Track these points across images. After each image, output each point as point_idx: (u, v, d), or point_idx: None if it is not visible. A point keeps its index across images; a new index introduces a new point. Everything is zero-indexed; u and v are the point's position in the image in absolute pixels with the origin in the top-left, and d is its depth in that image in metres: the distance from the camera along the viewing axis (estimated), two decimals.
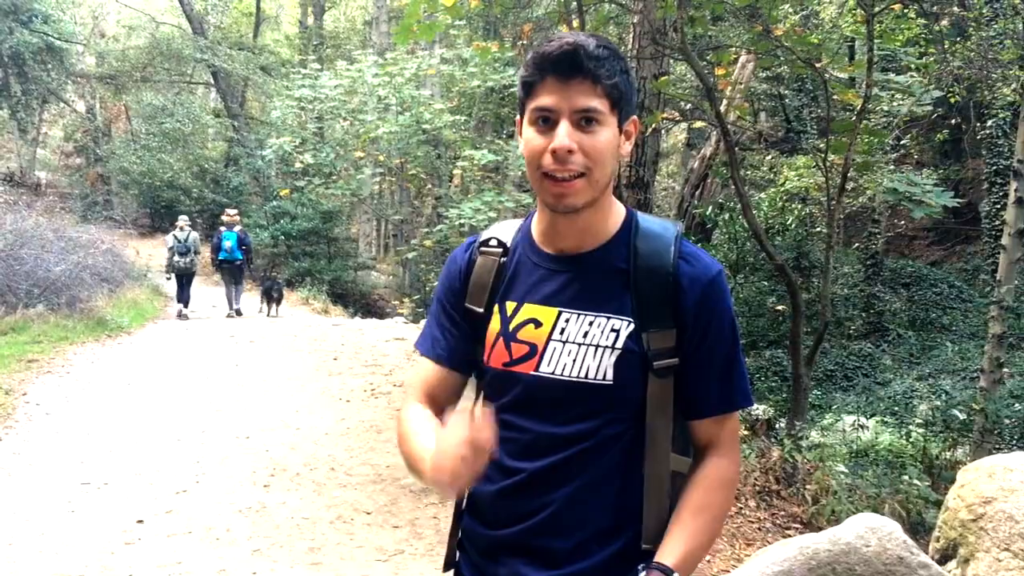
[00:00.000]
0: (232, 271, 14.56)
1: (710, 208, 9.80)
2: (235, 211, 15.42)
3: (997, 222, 17.37)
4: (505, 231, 1.62)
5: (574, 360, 1.44)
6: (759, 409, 7.87)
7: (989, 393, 9.39)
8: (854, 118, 5.52)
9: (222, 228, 14.56)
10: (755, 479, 4.77)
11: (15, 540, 4.41)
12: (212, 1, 29.12)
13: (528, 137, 1.43)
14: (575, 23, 7.88)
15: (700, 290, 1.43)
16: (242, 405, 7.65)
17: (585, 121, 1.38)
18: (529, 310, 1.50)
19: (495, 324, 1.54)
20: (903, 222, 21.23)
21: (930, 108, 7.72)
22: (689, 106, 10.80)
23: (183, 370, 9.24)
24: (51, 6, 24.72)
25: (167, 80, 28.56)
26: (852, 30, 6.31)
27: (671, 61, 9.94)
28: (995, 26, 10.29)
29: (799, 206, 11.17)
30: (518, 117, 1.48)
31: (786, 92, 17.28)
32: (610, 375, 1.42)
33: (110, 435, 6.51)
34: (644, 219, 1.51)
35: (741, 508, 4.56)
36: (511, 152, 17.54)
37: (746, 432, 5.35)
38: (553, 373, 1.45)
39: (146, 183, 26.34)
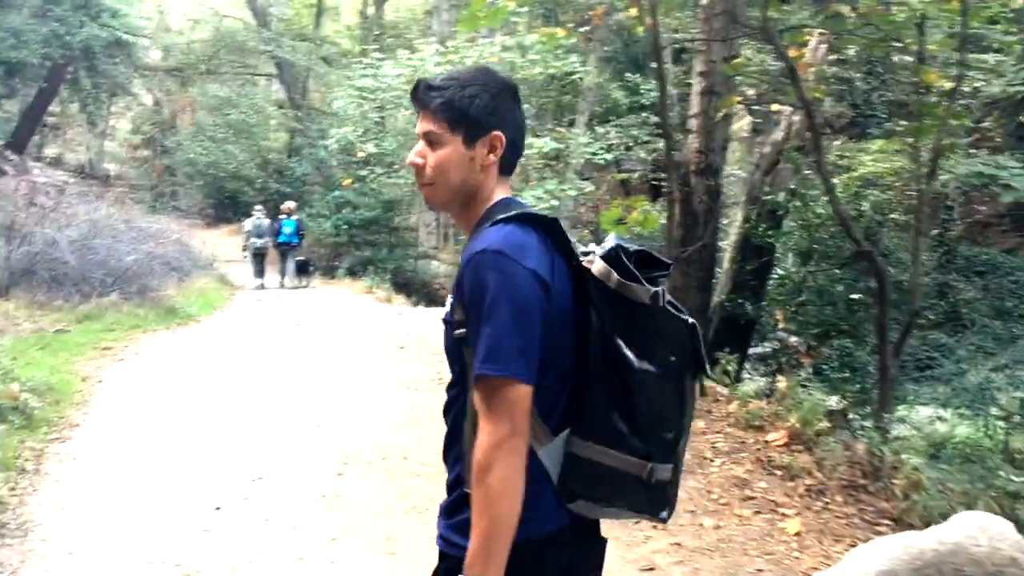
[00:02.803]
0: (288, 252, 17.84)
1: (781, 195, 9.53)
2: (293, 203, 18.89)
3: None
4: None
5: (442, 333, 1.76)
6: (831, 400, 7.64)
7: None
8: (943, 100, 5.28)
9: (281, 216, 17.80)
10: (840, 473, 4.61)
11: (95, 526, 4.46)
12: None
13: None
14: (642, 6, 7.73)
15: (462, 267, 1.64)
16: (311, 392, 7.68)
17: (429, 141, 1.74)
18: None
19: None
20: (980, 208, 20.55)
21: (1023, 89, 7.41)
22: (754, 92, 10.55)
23: (252, 358, 9.32)
24: (119, 1, 25.23)
25: (232, 72, 28.92)
26: (932, 8, 6.03)
27: (739, 44, 9.73)
28: None
29: (875, 192, 10.82)
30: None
31: (856, 75, 16.79)
32: (445, 343, 1.74)
33: (184, 422, 6.57)
34: (499, 209, 1.71)
35: (827, 503, 4.41)
36: (572, 140, 17.41)
37: (826, 424, 5.18)
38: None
39: (211, 174, 26.75)
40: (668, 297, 1.67)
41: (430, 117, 1.72)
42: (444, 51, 16.88)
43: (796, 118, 10.09)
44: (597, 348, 1.62)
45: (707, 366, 1.75)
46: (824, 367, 9.26)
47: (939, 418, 10.08)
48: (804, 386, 5.71)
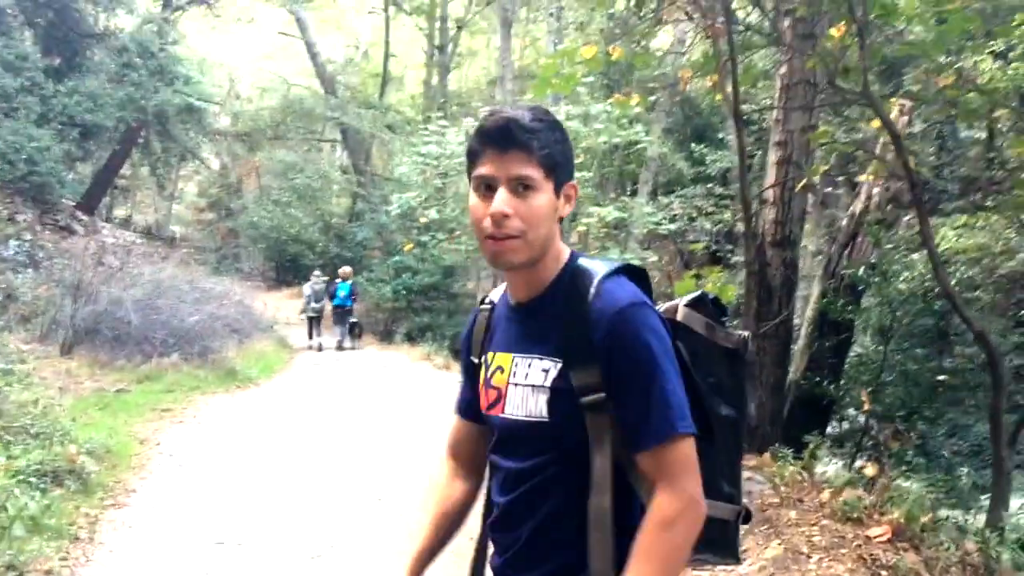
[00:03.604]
0: (343, 314, 18.16)
1: (861, 269, 9.14)
2: (349, 268, 19.21)
3: None
4: (497, 291, 1.78)
5: (522, 400, 1.57)
6: (925, 491, 7.12)
7: None
8: None
9: (338, 280, 18.21)
10: (951, 575, 4.18)
11: None
12: (342, 62, 30.06)
13: (473, 203, 1.56)
14: (717, 77, 7.53)
15: (607, 323, 1.48)
16: (372, 463, 7.43)
17: (521, 187, 1.51)
18: (498, 358, 1.66)
19: (482, 373, 1.70)
20: None
21: None
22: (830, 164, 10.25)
23: (311, 424, 9.13)
24: (192, 68, 25.97)
25: (298, 138, 29.47)
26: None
27: (819, 114, 9.48)
28: None
29: (961, 268, 10.39)
30: (467, 181, 1.59)
31: (930, 149, 16.43)
32: (546, 413, 1.54)
33: (242, 490, 6.35)
34: (583, 262, 1.60)
35: None
36: (635, 209, 17.22)
37: (930, 519, 4.76)
38: (512, 414, 1.60)
39: (273, 237, 27.08)
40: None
41: (524, 160, 1.51)
42: None
43: (876, 190, 9.77)
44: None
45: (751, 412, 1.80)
46: (910, 453, 8.72)
47: None
48: (907, 476, 5.28)
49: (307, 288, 18.44)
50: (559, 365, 1.54)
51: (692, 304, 1.71)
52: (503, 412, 1.62)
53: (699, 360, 1.64)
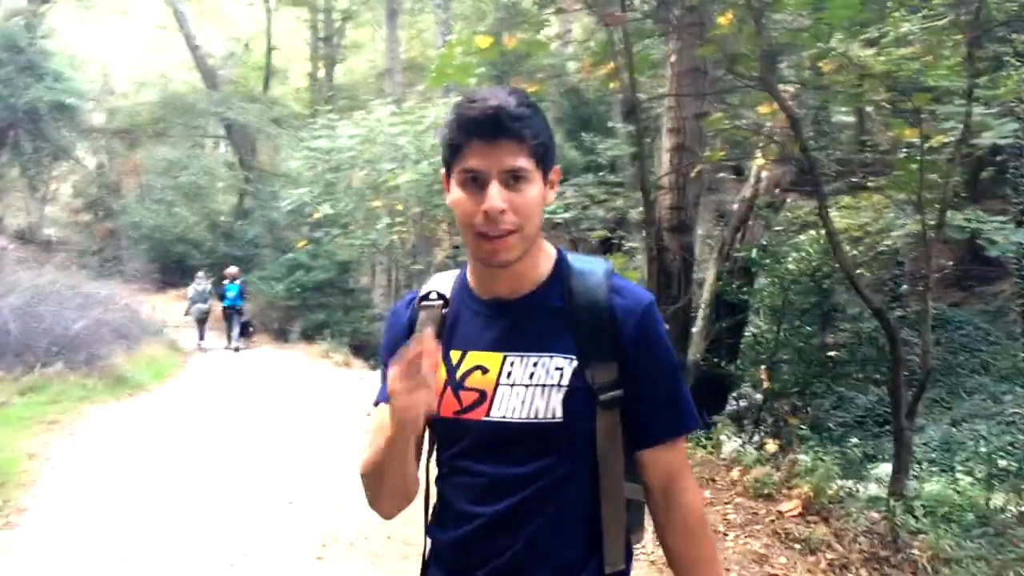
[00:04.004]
0: (232, 314, 18.19)
1: (754, 251, 9.43)
2: (235, 268, 19.05)
3: None
4: (443, 283, 1.66)
5: (523, 402, 1.47)
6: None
7: None
8: (948, 153, 5.18)
9: (226, 281, 18.28)
10: (861, 545, 4.34)
11: None
12: (223, 56, 29.20)
13: (458, 198, 1.46)
14: (614, 66, 7.61)
15: (635, 321, 1.48)
16: (279, 466, 7.24)
17: (513, 179, 1.42)
18: (474, 357, 1.53)
19: (441, 374, 1.53)
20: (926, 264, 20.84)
21: (1010, 142, 7.41)
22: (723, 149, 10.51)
23: (210, 429, 8.83)
24: (64, 64, 24.73)
25: (182, 134, 28.48)
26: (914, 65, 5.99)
27: (710, 101, 9.69)
28: None
29: (845, 247, 10.83)
30: (443, 174, 1.52)
31: (810, 133, 17.07)
32: (559, 413, 1.46)
33: (144, 502, 6.10)
34: (574, 259, 1.57)
35: None
36: None
37: (839, 492, 4.95)
38: (504, 417, 1.48)
39: (157, 238, 26.12)
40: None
41: (515, 151, 1.42)
42: (399, 112, 16.80)
43: (764, 174, 10.09)
44: None
45: None
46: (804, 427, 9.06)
47: (915, 476, 9.89)
48: (815, 452, 5.46)
49: (191, 289, 18.34)
50: (574, 363, 1.47)
51: None
52: (487, 415, 1.50)
53: None
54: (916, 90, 5.77)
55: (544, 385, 1.47)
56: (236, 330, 18.23)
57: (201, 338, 17.98)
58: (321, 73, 29.34)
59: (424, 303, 1.63)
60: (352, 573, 4.75)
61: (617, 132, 19.27)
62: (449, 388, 1.54)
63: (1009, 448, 12.27)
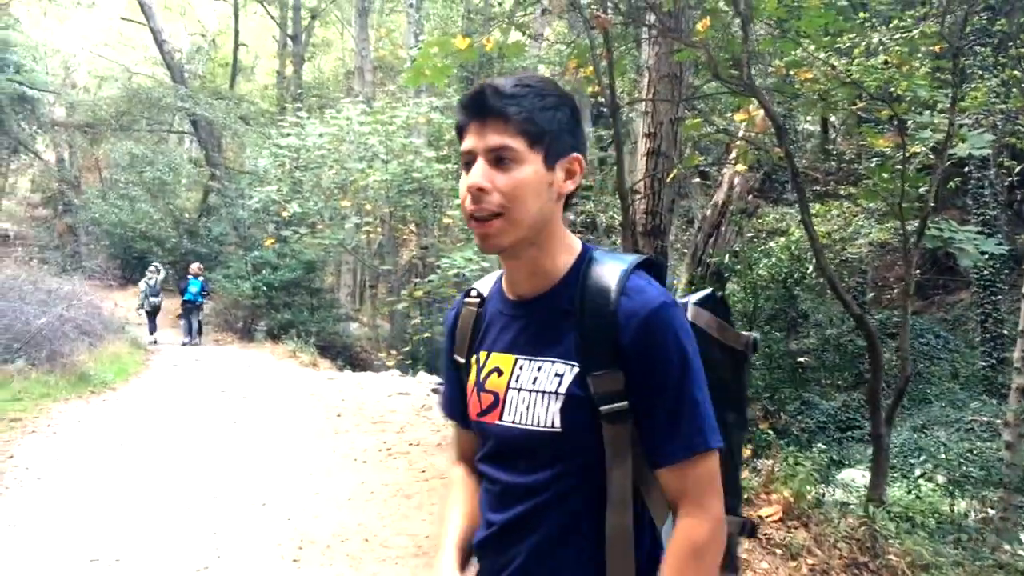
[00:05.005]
0: (192, 310, 18.51)
1: (726, 256, 9.50)
2: (198, 265, 19.35)
3: (986, 272, 17.32)
4: (486, 282, 1.63)
5: (527, 407, 1.42)
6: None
7: (1016, 447, 9.08)
8: (935, 162, 5.24)
9: (189, 277, 18.59)
10: (841, 551, 4.38)
11: None
12: (189, 51, 28.85)
13: (460, 182, 1.44)
14: (589, 68, 7.62)
15: (637, 325, 1.35)
16: (250, 467, 7.13)
17: (498, 160, 1.38)
18: (494, 359, 1.50)
19: (472, 375, 1.54)
20: (890, 273, 21.19)
21: (988, 152, 7.54)
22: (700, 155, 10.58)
23: (177, 429, 8.69)
24: (23, 56, 24.26)
25: (146, 129, 28.08)
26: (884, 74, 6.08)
27: (684, 107, 9.75)
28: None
29: (807, 255, 11.00)
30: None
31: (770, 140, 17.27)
32: (557, 422, 1.38)
33: (112, 503, 5.97)
34: (599, 255, 1.47)
35: None
36: None
37: (818, 497, 4.98)
38: (512, 422, 1.44)
39: (118, 234, 25.71)
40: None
41: (503, 129, 1.38)
42: (370, 111, 16.70)
43: (737, 180, 10.16)
44: None
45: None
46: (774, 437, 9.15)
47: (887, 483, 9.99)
48: (794, 457, 5.50)
49: (142, 283, 18.57)
50: (575, 370, 1.39)
51: (702, 303, 1.59)
52: (499, 419, 1.47)
53: (708, 363, 1.45)
54: (892, 100, 5.85)
55: (544, 392, 1.41)
56: (195, 326, 18.51)
57: (151, 331, 18.09)
58: (289, 71, 29.11)
59: (466, 300, 1.62)
60: (331, 575, 4.69)
61: (586, 136, 19.37)
62: (475, 390, 1.52)
63: (968, 455, 12.50)
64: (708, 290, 1.60)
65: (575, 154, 1.46)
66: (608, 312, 1.37)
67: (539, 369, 1.43)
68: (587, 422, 1.37)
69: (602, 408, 1.36)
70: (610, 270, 1.42)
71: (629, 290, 1.39)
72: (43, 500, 6.03)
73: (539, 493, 1.42)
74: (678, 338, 1.36)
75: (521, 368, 1.45)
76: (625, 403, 1.36)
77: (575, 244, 1.50)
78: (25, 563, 4.77)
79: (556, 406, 1.39)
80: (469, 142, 1.41)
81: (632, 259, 1.46)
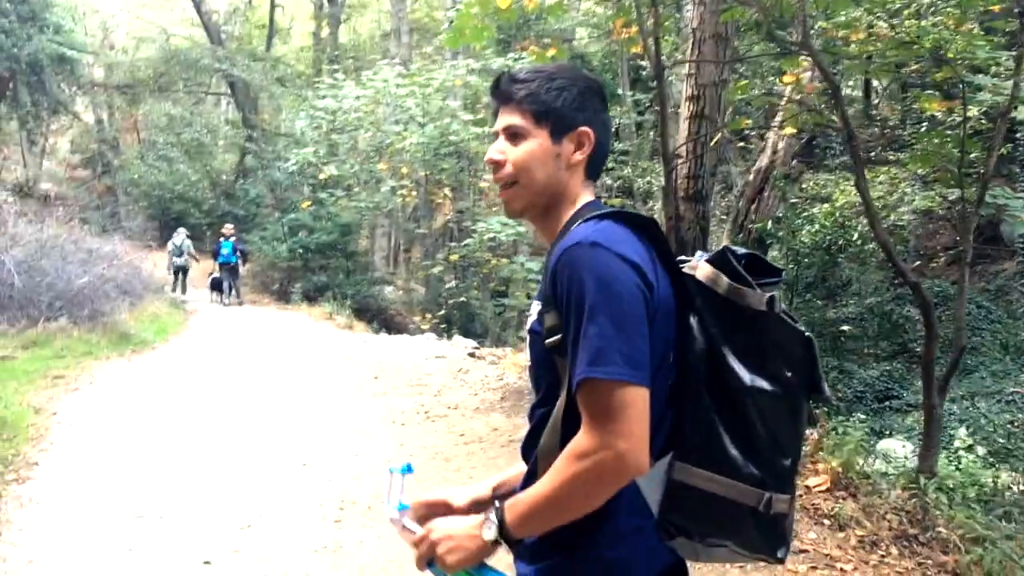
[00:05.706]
0: (229, 270, 18.89)
1: (769, 222, 9.34)
2: (231, 226, 19.83)
3: None
4: None
5: (527, 345, 1.62)
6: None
7: None
8: (996, 126, 5.05)
9: (221, 238, 18.91)
10: (890, 522, 4.29)
11: None
12: (226, 12, 28.79)
13: None
14: (636, 28, 7.47)
15: (553, 264, 1.47)
16: (290, 428, 7.17)
17: (512, 135, 1.60)
18: (533, 306, 1.63)
19: None
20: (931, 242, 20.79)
21: None
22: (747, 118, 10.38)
23: (217, 388, 8.76)
24: (63, 16, 24.34)
25: (183, 91, 28.16)
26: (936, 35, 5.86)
27: (729, 69, 9.55)
28: None
29: (852, 222, 10.73)
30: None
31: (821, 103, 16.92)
32: (531, 357, 1.59)
33: (154, 461, 6.02)
34: (594, 209, 1.55)
35: (883, 556, 4.08)
36: None
37: (867, 467, 4.88)
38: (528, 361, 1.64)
39: (156, 195, 25.90)
40: (783, 305, 1.53)
41: (514, 109, 1.60)
42: (407, 73, 16.57)
43: (781, 144, 9.96)
44: (702, 363, 1.47)
45: (824, 387, 1.57)
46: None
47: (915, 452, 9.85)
48: (843, 426, 5.40)
49: (170, 244, 19.21)
50: (539, 307, 1.55)
51: (714, 261, 1.54)
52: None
53: (716, 322, 1.48)
54: (946, 63, 5.63)
55: (529, 330, 1.59)
56: (229, 284, 18.98)
57: (174, 291, 18.60)
58: (325, 33, 28.97)
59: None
60: (372, 537, 4.69)
61: (623, 100, 19.09)
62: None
63: (1009, 427, 12.29)
64: (721, 248, 1.56)
65: (583, 128, 1.60)
66: (552, 254, 1.51)
67: (534, 311, 1.59)
68: (544, 356, 1.50)
69: (546, 342, 1.48)
70: (578, 218, 1.55)
71: (571, 233, 1.49)
72: (87, 457, 6.09)
73: (532, 418, 1.59)
74: (578, 274, 1.42)
75: (531, 312, 1.62)
76: (558, 336, 1.45)
77: (581, 200, 1.62)
78: (71, 519, 4.83)
79: (528, 341, 1.60)
80: (497, 123, 1.63)
81: (607, 209, 1.55)
